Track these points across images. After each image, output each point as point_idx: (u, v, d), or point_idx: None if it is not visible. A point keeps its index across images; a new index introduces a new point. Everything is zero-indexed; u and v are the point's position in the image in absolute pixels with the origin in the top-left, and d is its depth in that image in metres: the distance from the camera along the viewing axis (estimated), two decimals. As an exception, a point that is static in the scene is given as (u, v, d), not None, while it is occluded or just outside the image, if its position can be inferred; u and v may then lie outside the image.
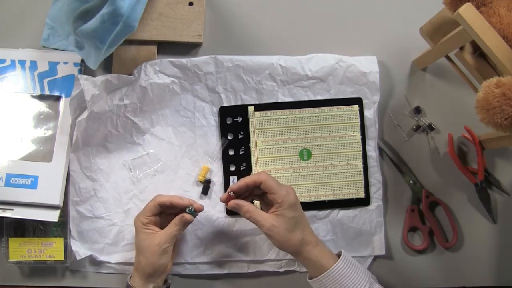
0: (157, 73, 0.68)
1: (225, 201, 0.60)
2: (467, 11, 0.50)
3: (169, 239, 0.60)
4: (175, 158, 0.69)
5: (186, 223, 0.61)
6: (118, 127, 0.68)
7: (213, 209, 0.68)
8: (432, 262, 0.69)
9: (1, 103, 0.67)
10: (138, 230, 0.61)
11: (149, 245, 0.60)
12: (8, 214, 0.63)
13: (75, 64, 0.68)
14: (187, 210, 0.60)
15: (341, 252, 0.60)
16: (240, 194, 0.60)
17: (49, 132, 0.67)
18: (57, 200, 0.64)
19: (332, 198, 0.69)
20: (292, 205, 0.58)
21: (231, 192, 0.59)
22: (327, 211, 0.69)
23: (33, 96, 0.68)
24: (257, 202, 0.65)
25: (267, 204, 0.61)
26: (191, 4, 0.70)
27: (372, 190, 0.69)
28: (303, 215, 0.60)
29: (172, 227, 0.61)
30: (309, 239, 0.59)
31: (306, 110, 0.69)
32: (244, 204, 0.59)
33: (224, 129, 0.69)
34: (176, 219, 0.61)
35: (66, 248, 0.66)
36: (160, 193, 0.63)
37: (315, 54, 0.70)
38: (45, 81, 0.68)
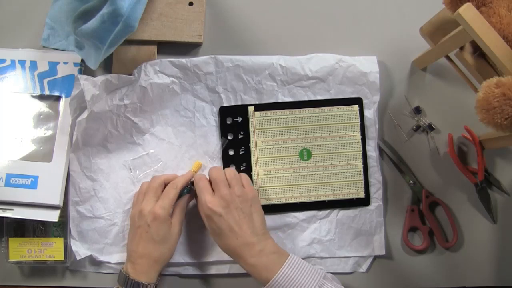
0: (157, 73, 0.68)
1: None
2: (467, 11, 0.50)
3: (182, 225, 0.63)
4: (175, 158, 0.69)
5: (189, 202, 0.65)
6: (118, 127, 0.68)
7: (213, 209, 0.68)
8: (432, 262, 0.69)
9: (1, 103, 0.67)
10: (165, 221, 0.60)
11: (173, 234, 0.61)
12: (8, 214, 0.63)
13: (75, 64, 0.68)
14: (185, 191, 0.64)
15: (287, 256, 0.58)
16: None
17: (49, 132, 0.67)
18: (57, 200, 0.64)
19: (332, 198, 0.69)
20: (205, 217, 0.60)
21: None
22: (327, 211, 0.69)
23: (33, 96, 0.68)
24: None
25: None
26: (191, 4, 0.70)
27: (372, 190, 0.69)
28: (224, 228, 0.58)
29: (183, 212, 0.63)
30: (235, 252, 0.58)
31: (306, 110, 0.69)
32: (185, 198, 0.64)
33: (224, 129, 0.69)
34: (183, 203, 0.63)
35: (66, 248, 0.66)
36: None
37: (315, 54, 0.70)
38: (45, 81, 0.68)
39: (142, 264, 0.59)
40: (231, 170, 0.63)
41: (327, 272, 0.60)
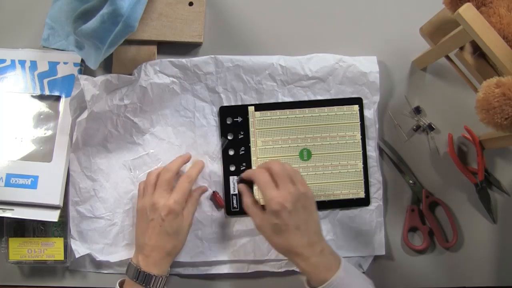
0: (157, 73, 0.68)
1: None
2: (467, 11, 0.50)
3: (193, 216, 0.64)
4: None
5: (202, 193, 0.67)
6: (118, 127, 0.68)
7: (213, 209, 0.68)
8: (432, 262, 0.69)
9: (1, 103, 0.67)
10: (179, 214, 0.60)
11: (185, 227, 0.62)
12: (8, 214, 0.63)
13: (75, 64, 0.68)
14: None
15: (340, 258, 0.58)
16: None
17: (49, 132, 0.67)
18: (57, 200, 0.64)
19: (332, 198, 0.69)
20: (272, 212, 0.57)
21: (238, 178, 0.67)
22: (327, 211, 0.69)
23: (33, 96, 0.68)
24: None
25: None
26: (191, 4, 0.70)
27: (372, 190, 0.69)
28: (291, 224, 0.57)
29: (195, 204, 0.64)
30: (297, 251, 0.57)
31: (306, 110, 0.69)
32: (244, 195, 0.63)
33: (224, 129, 0.69)
34: (196, 196, 0.65)
35: (66, 248, 0.66)
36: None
37: (315, 54, 0.70)
38: (45, 81, 0.68)
39: (155, 256, 0.59)
40: (289, 166, 0.61)
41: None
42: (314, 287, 0.56)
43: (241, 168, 0.68)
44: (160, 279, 0.59)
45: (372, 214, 0.69)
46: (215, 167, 0.69)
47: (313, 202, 0.60)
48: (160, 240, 0.60)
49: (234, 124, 0.69)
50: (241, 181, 0.66)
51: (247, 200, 0.61)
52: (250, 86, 0.69)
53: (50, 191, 0.64)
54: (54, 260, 0.66)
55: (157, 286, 0.59)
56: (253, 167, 0.68)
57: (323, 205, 0.68)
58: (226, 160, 0.69)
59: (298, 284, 0.68)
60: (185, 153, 0.68)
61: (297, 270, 0.67)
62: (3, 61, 0.68)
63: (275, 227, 0.57)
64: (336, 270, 0.56)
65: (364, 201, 0.69)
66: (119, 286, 0.60)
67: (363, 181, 0.69)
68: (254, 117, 0.69)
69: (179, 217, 0.60)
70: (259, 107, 0.69)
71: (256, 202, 0.62)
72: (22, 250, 0.66)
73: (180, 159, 0.65)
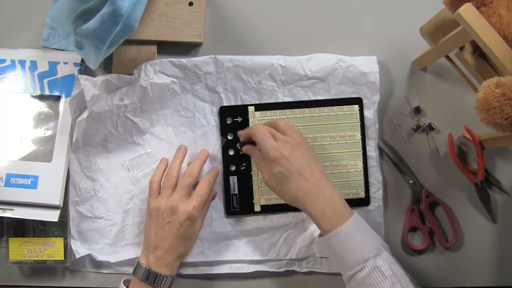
0: (157, 73, 0.68)
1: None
2: (467, 11, 0.50)
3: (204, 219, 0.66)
4: (175, 158, 0.69)
5: (213, 198, 0.68)
6: (118, 127, 0.68)
7: (213, 209, 0.68)
8: (432, 262, 0.69)
9: (1, 103, 0.67)
10: (196, 219, 0.62)
11: (196, 230, 0.63)
12: (8, 214, 0.63)
13: (75, 64, 0.68)
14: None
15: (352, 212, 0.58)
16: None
17: (49, 132, 0.67)
18: (57, 200, 0.64)
19: (332, 198, 0.69)
20: (272, 161, 0.58)
21: (238, 145, 0.68)
22: (327, 211, 0.69)
23: (33, 96, 0.68)
24: None
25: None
26: (191, 4, 0.70)
27: (372, 190, 0.69)
28: (293, 170, 0.57)
29: (207, 208, 0.65)
30: (304, 197, 0.57)
31: (306, 110, 0.69)
32: (252, 152, 0.64)
33: (224, 129, 0.69)
34: (209, 201, 0.66)
35: (66, 248, 0.66)
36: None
37: (315, 54, 0.69)
38: (45, 81, 0.68)
39: (168, 259, 0.60)
40: (284, 121, 0.63)
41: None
42: (323, 234, 0.57)
43: (241, 168, 0.68)
44: (170, 279, 0.60)
45: (372, 214, 0.69)
46: (215, 167, 0.69)
47: (310, 150, 0.61)
48: (175, 244, 0.60)
49: (234, 124, 0.69)
50: (241, 145, 0.67)
51: (257, 154, 0.62)
52: (250, 86, 0.69)
53: (50, 191, 0.64)
54: (54, 260, 0.66)
55: (166, 286, 0.60)
56: (253, 167, 0.68)
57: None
58: (226, 160, 0.69)
59: (298, 284, 0.68)
60: (180, 145, 0.68)
61: (297, 270, 0.68)
62: (3, 61, 0.68)
63: (279, 176, 0.58)
64: (343, 222, 0.56)
65: (364, 201, 0.69)
66: (124, 285, 0.61)
67: (363, 181, 0.69)
68: (254, 117, 0.69)
69: (197, 221, 0.62)
70: (259, 107, 0.69)
71: (264, 158, 0.61)
72: (22, 250, 0.66)
73: (199, 161, 0.66)
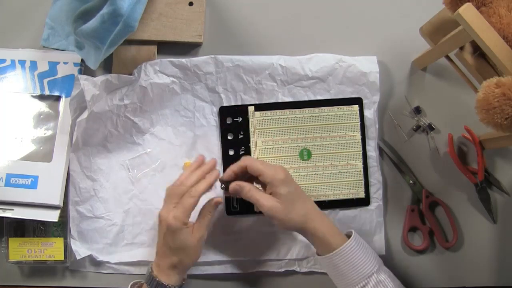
0: (157, 73, 0.68)
1: (225, 191, 0.61)
2: (467, 11, 0.50)
3: (206, 230, 0.60)
4: (175, 158, 0.69)
5: (216, 206, 0.61)
6: (118, 127, 0.68)
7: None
8: (432, 262, 0.69)
9: (1, 103, 0.67)
10: (177, 230, 0.57)
11: (192, 242, 0.58)
12: (8, 214, 0.63)
13: (75, 64, 0.68)
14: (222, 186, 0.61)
15: (351, 232, 0.59)
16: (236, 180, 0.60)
17: (49, 132, 0.67)
18: (57, 200, 0.64)
19: (332, 198, 0.69)
20: (282, 181, 0.57)
21: (222, 185, 0.61)
22: (327, 211, 0.69)
23: (33, 96, 0.68)
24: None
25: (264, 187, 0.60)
26: (191, 4, 0.70)
27: (372, 190, 0.69)
28: (300, 190, 0.59)
29: (207, 216, 0.60)
30: (312, 215, 0.58)
31: (306, 110, 0.69)
32: (245, 185, 0.59)
33: (224, 129, 0.69)
34: (209, 207, 0.60)
35: (66, 248, 0.66)
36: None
37: (315, 54, 0.70)
38: (45, 81, 0.68)
39: (163, 266, 0.59)
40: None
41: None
42: (323, 253, 0.58)
43: (241, 168, 0.68)
44: (169, 287, 0.58)
45: (372, 214, 0.69)
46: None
47: None
48: (165, 253, 0.59)
49: (234, 124, 0.69)
50: (226, 186, 0.61)
51: (251, 187, 0.59)
52: (250, 86, 0.69)
53: (50, 191, 0.64)
54: (54, 260, 0.66)
55: None
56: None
57: (323, 205, 0.68)
58: (226, 160, 0.69)
59: (298, 284, 0.68)
60: (211, 160, 0.64)
61: (297, 270, 0.68)
62: (3, 61, 0.68)
63: (289, 196, 0.57)
64: (345, 240, 0.57)
65: (364, 201, 0.69)
66: None
67: (363, 181, 0.69)
68: (254, 117, 0.69)
69: (180, 233, 0.57)
70: (259, 107, 0.69)
71: (262, 185, 0.60)
72: (22, 250, 0.66)
73: (205, 183, 0.60)
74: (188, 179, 0.60)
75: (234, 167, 0.60)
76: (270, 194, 0.58)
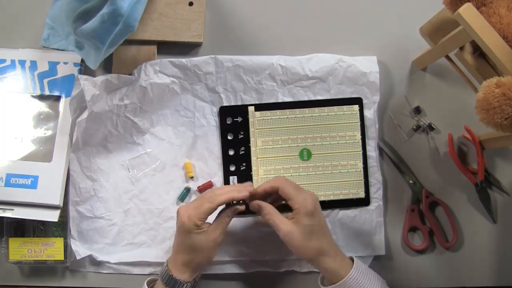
0: (157, 73, 0.68)
1: (249, 200, 0.61)
2: (467, 11, 0.50)
3: (223, 232, 0.60)
4: (175, 158, 0.69)
5: (237, 212, 0.61)
6: (118, 127, 0.68)
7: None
8: (432, 262, 0.69)
9: (1, 103, 0.67)
10: (191, 231, 0.57)
11: (206, 243, 0.58)
12: (8, 214, 0.63)
13: (75, 64, 0.68)
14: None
15: (353, 257, 0.60)
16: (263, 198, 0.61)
17: (49, 132, 0.67)
18: (57, 200, 0.64)
19: (332, 198, 0.69)
20: (308, 213, 0.57)
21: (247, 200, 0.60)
22: (327, 211, 0.69)
23: (33, 96, 0.68)
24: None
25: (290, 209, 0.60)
26: (191, 4, 0.70)
27: (372, 190, 0.69)
28: (323, 224, 0.59)
29: (225, 219, 0.60)
30: (327, 250, 0.58)
31: (306, 110, 0.69)
32: (265, 206, 0.59)
33: (224, 129, 0.69)
34: (229, 211, 0.60)
35: (66, 248, 0.66)
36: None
37: (315, 54, 0.70)
38: (45, 81, 0.68)
39: (177, 262, 0.59)
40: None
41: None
42: (329, 283, 0.58)
43: (241, 168, 0.68)
44: (184, 285, 0.59)
45: (372, 214, 0.69)
46: (215, 167, 0.69)
47: None
48: (179, 248, 0.60)
49: (234, 124, 0.69)
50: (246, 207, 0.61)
51: (271, 210, 0.59)
52: (250, 86, 0.69)
53: (50, 191, 0.64)
54: (54, 260, 0.66)
55: None
56: (253, 167, 0.68)
57: (323, 205, 0.68)
58: (226, 160, 0.69)
59: (298, 284, 0.68)
60: (248, 183, 0.63)
61: (297, 270, 0.68)
62: (3, 61, 0.68)
63: (307, 230, 0.57)
64: (349, 270, 0.57)
65: (364, 201, 0.69)
66: (147, 286, 0.60)
67: (363, 181, 0.69)
68: (254, 117, 0.69)
69: (193, 232, 0.58)
70: (259, 107, 0.69)
71: (289, 210, 0.60)
72: (22, 250, 0.66)
73: (235, 191, 0.60)
74: (220, 189, 0.60)
75: (266, 187, 0.60)
76: (292, 219, 0.58)
